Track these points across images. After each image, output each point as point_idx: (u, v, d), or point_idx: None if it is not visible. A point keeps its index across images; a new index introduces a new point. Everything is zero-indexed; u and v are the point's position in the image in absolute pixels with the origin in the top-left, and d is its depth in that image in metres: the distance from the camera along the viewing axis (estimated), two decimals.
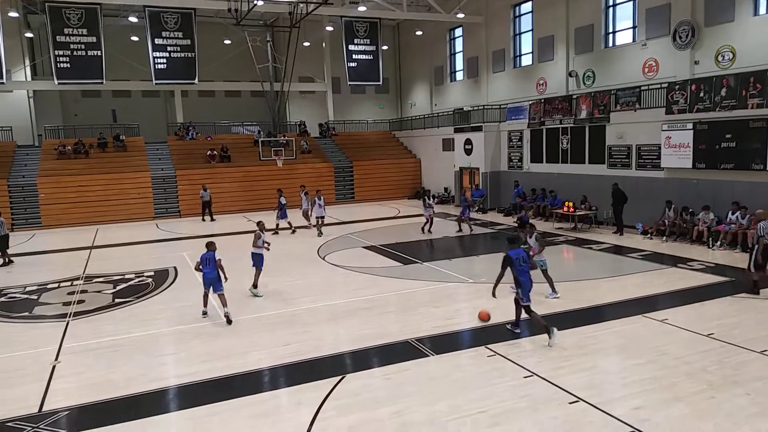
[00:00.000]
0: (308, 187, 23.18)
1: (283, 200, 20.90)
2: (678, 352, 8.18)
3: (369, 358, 8.59)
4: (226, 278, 10.79)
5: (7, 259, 16.93)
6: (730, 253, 14.86)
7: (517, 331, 9.28)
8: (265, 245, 12.71)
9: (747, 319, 9.59)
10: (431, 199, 21.54)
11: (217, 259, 10.69)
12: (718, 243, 15.37)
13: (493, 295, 9.12)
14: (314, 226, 20.93)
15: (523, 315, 9.20)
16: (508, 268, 8.98)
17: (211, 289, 10.67)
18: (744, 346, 8.24)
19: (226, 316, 10.45)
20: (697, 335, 8.83)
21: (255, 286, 12.60)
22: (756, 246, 11.04)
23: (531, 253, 10.69)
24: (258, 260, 12.65)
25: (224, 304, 10.54)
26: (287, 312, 11.05)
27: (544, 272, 11.25)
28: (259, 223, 13.09)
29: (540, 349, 8.60)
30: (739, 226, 15.12)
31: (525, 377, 7.53)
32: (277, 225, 20.85)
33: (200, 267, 10.69)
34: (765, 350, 8.05)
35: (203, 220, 25.57)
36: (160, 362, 8.80)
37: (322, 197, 20.90)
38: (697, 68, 19.26)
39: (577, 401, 6.76)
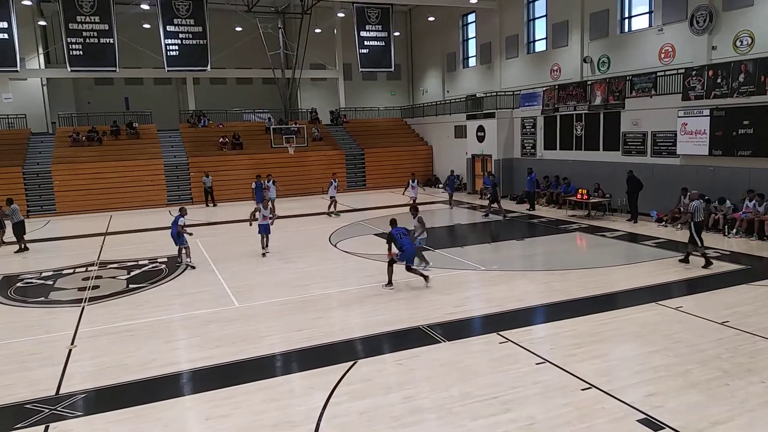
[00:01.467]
0: (321, 174, 23.17)
1: (254, 185, 22.04)
2: (692, 339, 8.11)
3: (381, 344, 8.62)
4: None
5: (23, 245, 17.14)
6: (746, 240, 14.70)
7: (391, 288, 11.43)
8: (269, 218, 15.44)
9: (762, 307, 9.47)
10: (414, 181, 22.97)
11: (179, 223, 13.85)
12: (734, 231, 15.19)
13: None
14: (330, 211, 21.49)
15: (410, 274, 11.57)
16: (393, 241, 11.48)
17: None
18: (759, 334, 8.16)
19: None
20: (711, 323, 8.75)
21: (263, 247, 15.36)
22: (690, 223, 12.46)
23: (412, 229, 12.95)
24: (263, 229, 15.27)
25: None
26: (300, 298, 11.10)
27: (420, 248, 12.93)
28: (181, 209, 14.70)
29: (552, 336, 8.59)
30: (756, 213, 14.91)
31: (537, 364, 7.51)
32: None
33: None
34: None
35: (207, 206, 25.93)
36: (173, 347, 8.89)
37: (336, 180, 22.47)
38: (715, 54, 18.91)
39: (589, 388, 6.74)
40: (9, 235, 17.49)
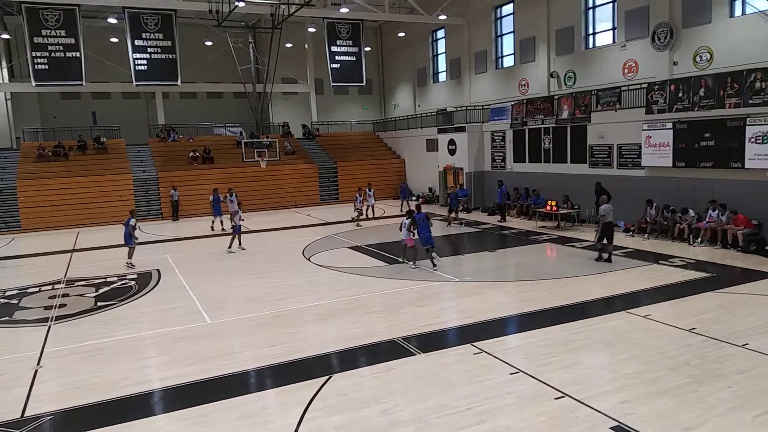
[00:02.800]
0: (293, 188, 23.20)
1: (211, 198, 22.44)
2: (661, 346, 8.29)
3: (356, 358, 8.58)
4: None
5: None
6: (710, 249, 15.11)
7: (413, 267, 14.17)
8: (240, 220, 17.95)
9: (728, 313, 9.75)
10: (371, 190, 24.61)
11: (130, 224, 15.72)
12: (699, 240, 15.62)
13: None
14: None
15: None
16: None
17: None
18: (725, 341, 8.38)
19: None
20: (679, 330, 8.96)
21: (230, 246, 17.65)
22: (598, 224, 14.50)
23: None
24: (236, 229, 17.89)
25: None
26: (273, 313, 10.99)
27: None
28: (132, 211, 16.89)
29: (525, 346, 8.68)
30: (718, 222, 15.38)
31: (511, 374, 7.58)
32: (215, 221, 22.64)
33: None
34: (746, 344, 8.20)
35: (173, 220, 25.70)
36: (143, 365, 8.70)
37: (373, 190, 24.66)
38: (676, 69, 19.56)
39: (563, 396, 6.82)
40: None
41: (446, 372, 7.82)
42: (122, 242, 16.29)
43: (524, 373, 7.57)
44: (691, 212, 16.22)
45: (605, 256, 14.18)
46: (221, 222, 22.45)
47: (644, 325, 9.35)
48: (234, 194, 22.06)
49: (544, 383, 7.22)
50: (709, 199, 15.88)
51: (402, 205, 26.88)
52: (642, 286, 11.81)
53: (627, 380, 7.23)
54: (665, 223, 16.85)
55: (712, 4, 18.46)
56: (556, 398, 6.80)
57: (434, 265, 13.91)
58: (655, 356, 7.95)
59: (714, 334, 8.66)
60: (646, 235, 17.04)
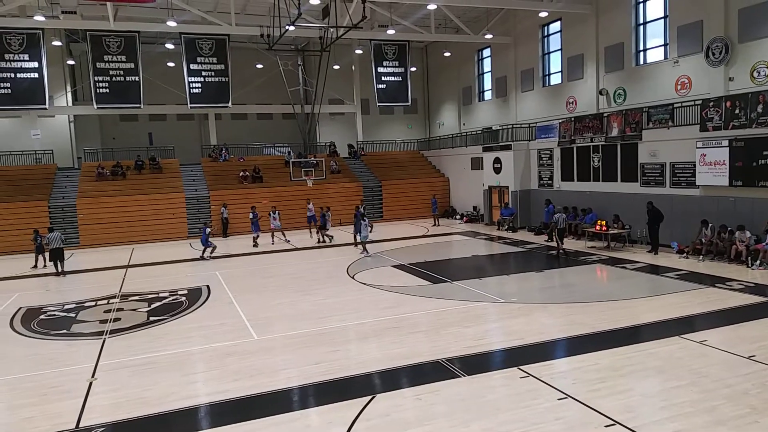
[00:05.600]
0: (340, 205, 23.67)
1: (251, 215, 23.97)
2: (718, 374, 7.92)
3: (399, 378, 8.55)
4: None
5: (61, 270, 18.61)
6: None
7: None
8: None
9: None
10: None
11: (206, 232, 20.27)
12: (758, 262, 14.90)
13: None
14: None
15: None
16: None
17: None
18: None
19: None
20: (737, 357, 8.54)
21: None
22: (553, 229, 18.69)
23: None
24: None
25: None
26: (317, 331, 11.09)
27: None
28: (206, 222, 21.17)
29: (574, 371, 8.44)
30: None
31: (559, 399, 7.38)
32: (255, 237, 23.82)
33: None
34: None
35: (223, 237, 26.44)
36: (192, 380, 8.91)
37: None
38: (732, 84, 18.89)
39: (613, 424, 6.59)
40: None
41: (491, 395, 7.69)
42: (174, 259, 16.93)
43: (572, 398, 7.36)
44: (748, 233, 15.52)
45: (554, 253, 18.39)
46: (272, 236, 24.27)
47: (700, 351, 8.96)
48: (277, 212, 23.90)
49: (594, 410, 7.00)
50: None
51: (434, 219, 28.70)
52: (697, 310, 11.34)
53: (681, 409, 6.92)
54: (721, 244, 16.17)
55: None
56: (606, 426, 6.57)
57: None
58: (711, 384, 7.60)
59: None
60: (701, 257, 16.39)
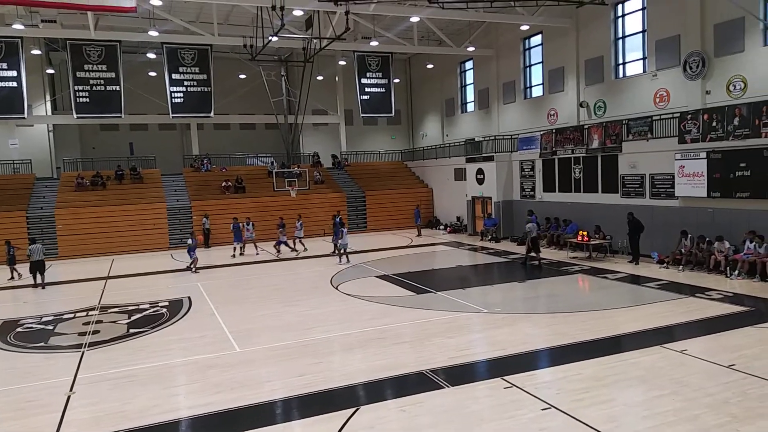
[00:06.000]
0: (324, 216, 23.71)
1: (231, 227, 24.19)
2: (699, 383, 8.01)
3: (383, 390, 8.50)
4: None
5: (41, 283, 18.24)
6: (748, 282, 14.64)
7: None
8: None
9: None
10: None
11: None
12: (736, 272, 15.16)
13: None
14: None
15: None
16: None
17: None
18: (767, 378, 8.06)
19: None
20: (718, 366, 8.65)
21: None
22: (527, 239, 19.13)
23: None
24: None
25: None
26: (301, 342, 11.00)
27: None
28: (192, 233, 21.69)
29: (558, 381, 8.47)
30: (757, 255, 14.92)
31: (543, 410, 7.39)
32: (237, 248, 24.12)
33: None
34: None
35: (206, 247, 26.12)
36: (173, 393, 8.77)
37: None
38: (709, 98, 19.29)
39: None
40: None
41: (475, 406, 7.68)
42: (155, 270, 16.82)
43: (556, 408, 7.38)
44: (727, 243, 15.79)
45: (536, 263, 18.73)
46: (241, 248, 24.10)
47: (681, 360, 9.06)
48: (251, 223, 24.20)
49: (577, 420, 7.02)
50: (746, 230, 15.44)
51: (417, 229, 28.70)
52: (678, 319, 11.48)
53: (664, 418, 6.98)
54: (700, 254, 16.43)
55: (745, 33, 18.25)
56: None
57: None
58: (692, 393, 7.68)
59: (755, 371, 8.33)
60: (681, 267, 16.63)
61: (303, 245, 24.85)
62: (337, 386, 8.62)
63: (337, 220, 24.56)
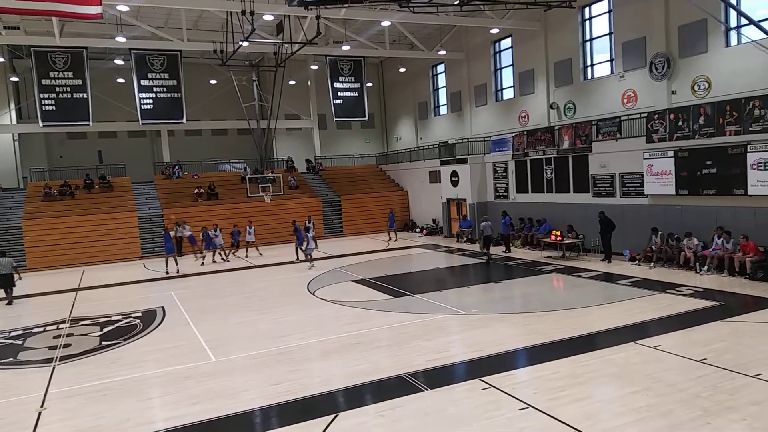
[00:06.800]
0: (299, 222, 23.59)
1: (201, 235, 24.18)
2: (672, 378, 8.17)
3: (362, 395, 8.48)
4: None
5: (9, 299, 17.41)
6: (717, 277, 15.01)
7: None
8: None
9: (738, 343, 9.63)
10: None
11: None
12: (705, 268, 15.52)
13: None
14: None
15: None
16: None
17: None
18: (737, 371, 8.25)
19: None
20: (690, 361, 8.84)
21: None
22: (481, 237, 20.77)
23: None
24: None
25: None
26: (278, 350, 10.91)
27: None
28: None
29: (535, 380, 8.56)
30: (725, 250, 15.30)
31: (521, 409, 7.46)
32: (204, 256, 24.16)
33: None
34: (759, 374, 8.07)
35: (178, 256, 25.65)
36: (148, 405, 8.62)
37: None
38: (675, 98, 19.76)
39: None
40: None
41: (455, 408, 7.71)
42: (127, 280, 16.49)
43: (534, 408, 7.46)
44: (695, 240, 16.17)
45: (485, 259, 20.20)
46: (214, 254, 24.24)
47: (654, 356, 9.23)
48: (218, 229, 24.30)
49: (555, 418, 7.10)
50: (714, 226, 15.85)
51: (390, 233, 28.16)
52: (650, 316, 11.70)
53: (639, 414, 7.10)
54: (670, 251, 16.78)
55: (708, 35, 18.75)
56: None
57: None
58: (665, 388, 7.83)
59: (725, 365, 8.53)
60: (651, 264, 16.96)
61: (258, 250, 25.34)
62: (316, 393, 8.56)
63: (296, 225, 24.04)
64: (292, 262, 22.48)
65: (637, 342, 9.92)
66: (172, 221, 26.15)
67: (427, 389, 8.40)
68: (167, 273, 20.63)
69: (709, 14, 17.96)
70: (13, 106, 31.93)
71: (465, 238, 25.85)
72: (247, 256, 24.75)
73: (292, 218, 26.16)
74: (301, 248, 22.14)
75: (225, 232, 24.87)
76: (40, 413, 8.41)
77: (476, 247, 23.90)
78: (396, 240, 27.92)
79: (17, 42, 26.95)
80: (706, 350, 9.25)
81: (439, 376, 8.95)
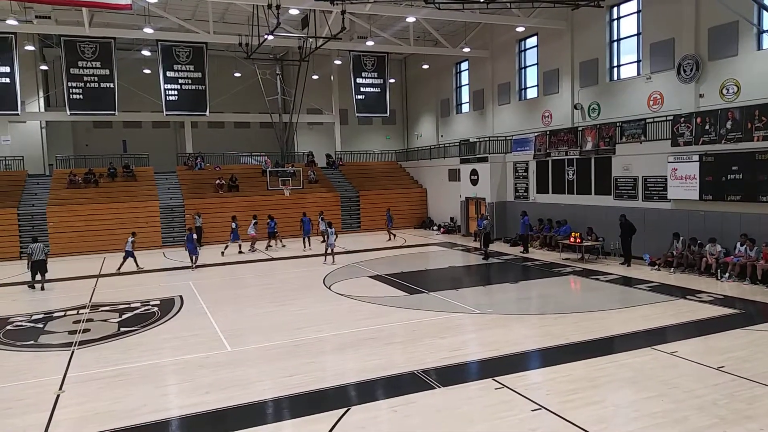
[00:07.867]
0: (317, 215, 23.84)
1: (234, 225, 24.19)
2: (688, 385, 8.05)
3: (374, 390, 8.50)
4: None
5: (42, 283, 17.66)
6: (738, 284, 14.73)
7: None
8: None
9: (758, 352, 9.44)
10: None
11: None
12: (727, 275, 15.24)
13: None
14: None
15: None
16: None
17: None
18: (756, 380, 8.10)
19: None
20: (707, 368, 8.70)
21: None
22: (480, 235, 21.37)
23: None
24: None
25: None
26: (293, 342, 10.99)
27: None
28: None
29: (548, 382, 8.50)
30: (747, 257, 15.01)
31: (533, 410, 7.41)
32: (227, 246, 24.34)
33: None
34: None
35: (198, 246, 25.90)
36: (163, 392, 8.74)
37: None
38: (702, 101, 19.39)
39: None
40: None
41: (467, 407, 7.69)
42: (147, 268, 16.71)
43: (546, 409, 7.41)
44: (718, 246, 15.87)
45: (483, 256, 20.68)
46: (239, 245, 24.39)
47: (670, 362, 9.10)
48: (235, 222, 24.55)
49: (567, 421, 7.05)
50: (738, 232, 15.54)
51: (388, 233, 27.83)
52: (668, 321, 11.53)
53: (653, 419, 7.01)
54: (692, 256, 16.51)
55: (739, 38, 18.35)
56: None
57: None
58: (681, 395, 7.71)
59: (744, 373, 8.38)
60: (672, 269, 16.71)
61: (281, 242, 25.84)
62: (329, 386, 8.62)
63: (305, 218, 24.96)
64: (309, 256, 22.61)
65: (653, 347, 9.79)
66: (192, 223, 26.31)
67: (439, 387, 8.40)
68: (193, 268, 20.52)
69: (741, 16, 17.59)
70: (41, 94, 32.56)
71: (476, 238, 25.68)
72: (268, 248, 25.01)
73: (309, 212, 26.37)
74: (308, 239, 23.92)
75: (261, 222, 25.19)
76: (58, 396, 8.59)
77: (495, 247, 23.80)
78: (395, 237, 27.59)
79: (48, 31, 27.46)
80: (724, 358, 9.10)
81: (452, 374, 8.93)
